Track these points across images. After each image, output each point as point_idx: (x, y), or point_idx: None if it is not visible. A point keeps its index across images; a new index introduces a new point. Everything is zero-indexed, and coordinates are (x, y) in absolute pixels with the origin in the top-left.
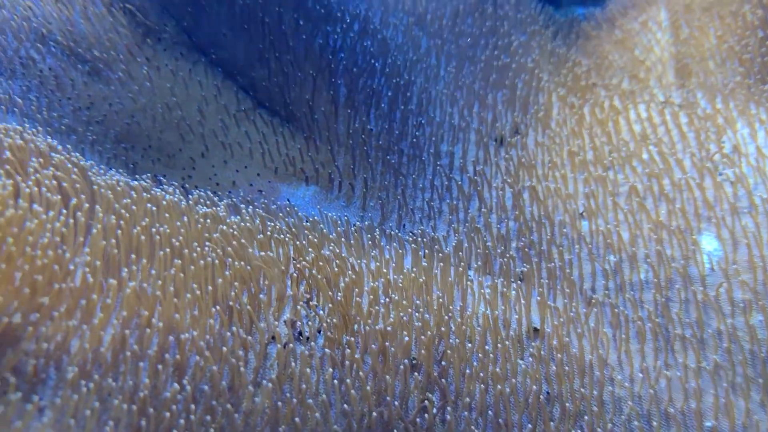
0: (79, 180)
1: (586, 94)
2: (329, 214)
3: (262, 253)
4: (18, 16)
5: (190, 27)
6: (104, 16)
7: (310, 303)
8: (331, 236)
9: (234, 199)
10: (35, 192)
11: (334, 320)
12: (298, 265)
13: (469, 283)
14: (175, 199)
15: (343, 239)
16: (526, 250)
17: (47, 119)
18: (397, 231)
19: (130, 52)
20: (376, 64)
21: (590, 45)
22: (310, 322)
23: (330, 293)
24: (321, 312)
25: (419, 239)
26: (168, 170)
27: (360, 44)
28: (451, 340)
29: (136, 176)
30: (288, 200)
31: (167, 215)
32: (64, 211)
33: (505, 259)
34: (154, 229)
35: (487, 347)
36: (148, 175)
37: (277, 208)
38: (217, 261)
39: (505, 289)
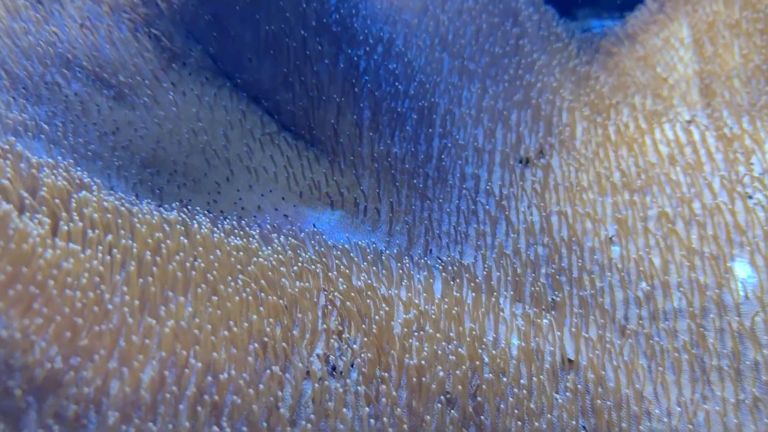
0: (112, 214)
1: (609, 113)
2: (357, 241)
3: (295, 286)
4: (44, 41)
5: (215, 52)
6: (129, 41)
7: (342, 336)
8: (361, 266)
9: (260, 223)
10: (72, 228)
11: (369, 355)
12: (330, 297)
13: (500, 312)
14: (206, 230)
15: (373, 268)
16: (557, 276)
17: (73, 145)
18: (424, 257)
19: (155, 77)
20: (400, 87)
21: (611, 61)
22: (343, 356)
23: (363, 326)
24: (354, 346)
25: (448, 266)
26: (194, 195)
27: (384, 67)
28: (485, 374)
29: (165, 205)
30: (314, 225)
31: (201, 249)
32: (100, 247)
33: (536, 287)
34: (188, 264)
35: (522, 381)
36: (177, 203)
37: (305, 235)
38: (251, 297)
39: (537, 319)
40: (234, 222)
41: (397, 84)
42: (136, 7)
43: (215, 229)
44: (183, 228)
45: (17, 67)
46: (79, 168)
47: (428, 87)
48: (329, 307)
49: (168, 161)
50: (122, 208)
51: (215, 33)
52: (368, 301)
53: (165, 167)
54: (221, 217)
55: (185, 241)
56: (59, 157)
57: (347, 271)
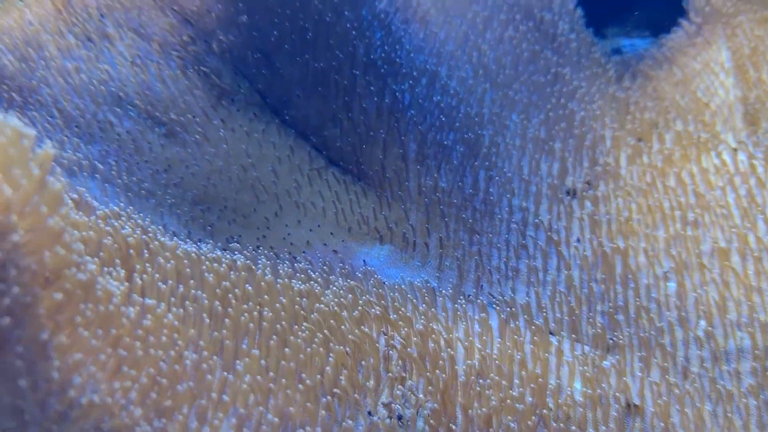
0: (180, 263)
1: (652, 140)
2: (409, 278)
3: (357, 331)
4: (96, 79)
5: (263, 88)
6: (179, 78)
7: (406, 383)
8: (420, 307)
9: (311, 259)
10: (146, 281)
11: (434, 404)
12: (391, 341)
13: (560, 354)
14: (271, 277)
15: (432, 309)
16: (614, 314)
17: (127, 183)
18: (477, 294)
19: (205, 114)
20: (444, 119)
21: (650, 86)
22: (408, 405)
23: (429, 374)
24: (419, 395)
25: (502, 304)
26: (243, 230)
27: (428, 99)
28: (553, 424)
29: (219, 242)
30: (364, 261)
31: (267, 297)
32: (173, 299)
33: (594, 326)
34: (256, 313)
35: (589, 430)
36: (238, 245)
37: (361, 276)
38: (322, 348)
39: (598, 360)
40: (296, 265)
41: (441, 117)
42: (186, 45)
43: (278, 271)
44: (247, 274)
45: (70, 106)
46: (141, 213)
47: (472, 118)
48: (390, 351)
49: (218, 197)
50: (193, 255)
51: (264, 70)
52: (431, 346)
53: (215, 203)
54: (278, 259)
55: (250, 288)
56: (122, 204)
57: (407, 313)
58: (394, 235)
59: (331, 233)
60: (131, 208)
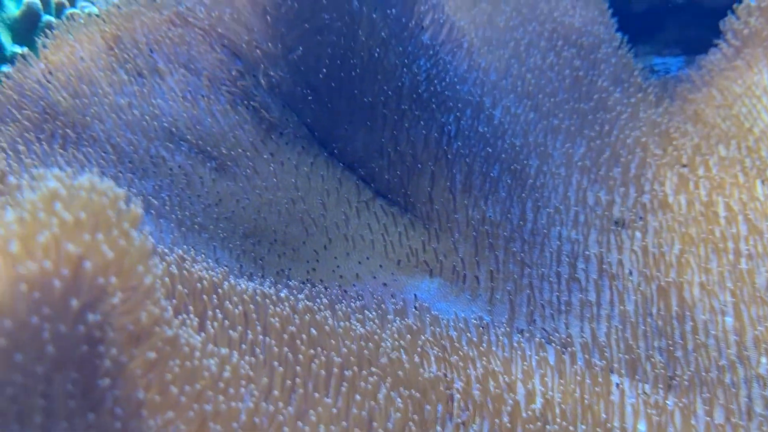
0: (247, 308)
1: (697, 167)
2: (462, 312)
3: (419, 375)
4: (148, 115)
5: (312, 122)
6: (228, 112)
7: (470, 428)
8: (482, 348)
9: (360, 292)
10: (217, 329)
11: None
12: (453, 385)
13: (622, 393)
14: (333, 321)
15: (493, 349)
16: (672, 351)
17: (180, 218)
18: (530, 329)
19: (255, 148)
20: (491, 150)
21: (690, 109)
22: None
23: (494, 419)
24: None
25: (558, 341)
26: (293, 264)
27: (474, 131)
28: None
29: (269, 277)
30: (415, 296)
31: (333, 342)
32: (244, 346)
33: (653, 364)
34: (324, 359)
35: None
36: (300, 283)
37: (417, 314)
38: (390, 394)
39: (660, 400)
40: (352, 304)
41: (487, 148)
42: (235, 79)
43: (336, 311)
44: (310, 317)
45: (123, 142)
46: (196, 247)
47: (518, 149)
48: (453, 394)
49: (268, 231)
50: (257, 298)
51: (312, 104)
52: (492, 387)
53: (265, 237)
54: (327, 292)
55: (315, 332)
56: (176, 236)
57: (464, 352)
58: (443, 268)
59: (380, 265)
60: (194, 251)
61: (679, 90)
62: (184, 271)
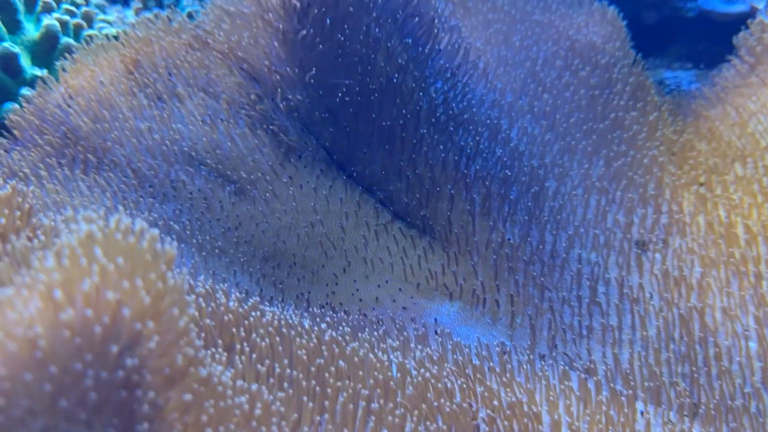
0: (273, 341)
1: (714, 186)
2: (486, 341)
3: (446, 405)
4: (168, 139)
5: (330, 145)
6: (247, 136)
7: None
8: (500, 375)
9: (380, 317)
10: (245, 363)
11: None
12: (478, 414)
13: (648, 422)
14: (362, 352)
15: (512, 375)
16: (696, 378)
17: (201, 243)
18: (552, 354)
19: (274, 172)
20: (509, 173)
21: (705, 126)
22: None
23: None
24: None
25: (581, 367)
26: (313, 287)
27: (491, 153)
28: None
29: (289, 300)
30: (435, 319)
31: (360, 373)
32: (272, 380)
33: (677, 391)
34: (351, 391)
35: None
36: (321, 310)
37: (437, 338)
38: (419, 427)
39: (685, 430)
40: (375, 333)
41: (505, 170)
42: (254, 103)
43: (359, 337)
44: (337, 349)
45: (144, 166)
46: (216, 271)
47: (535, 170)
48: (479, 425)
49: (288, 254)
50: (283, 330)
51: (330, 128)
52: (518, 419)
53: (285, 260)
54: (359, 324)
55: (343, 364)
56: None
57: (488, 380)
58: (463, 292)
59: (400, 289)
60: (215, 276)
61: (693, 107)
62: (212, 303)
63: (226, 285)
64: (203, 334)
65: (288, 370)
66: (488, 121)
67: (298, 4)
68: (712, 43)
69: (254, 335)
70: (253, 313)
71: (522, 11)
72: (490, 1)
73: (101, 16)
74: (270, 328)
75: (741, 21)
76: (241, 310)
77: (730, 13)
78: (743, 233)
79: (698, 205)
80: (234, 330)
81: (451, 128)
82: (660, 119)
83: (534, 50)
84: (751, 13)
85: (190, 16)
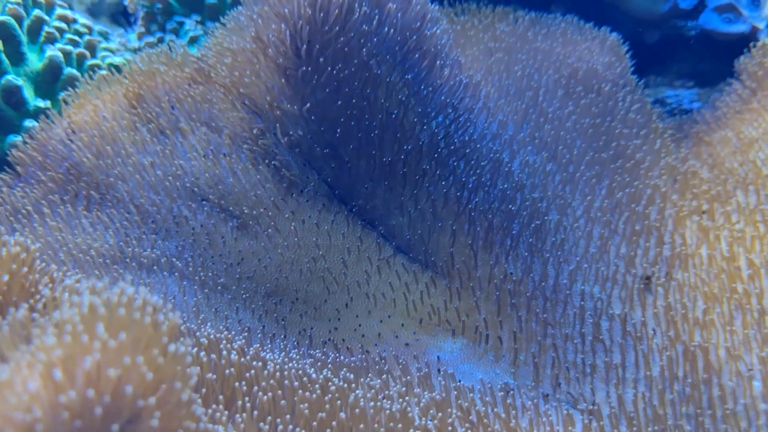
0: (275, 394)
1: (717, 216)
2: (490, 380)
3: None
4: (170, 174)
5: (332, 180)
6: (250, 171)
7: None
8: (510, 424)
9: (383, 354)
10: (247, 421)
11: None
12: None
13: None
14: (362, 401)
15: (516, 419)
16: (701, 420)
17: (203, 279)
18: (555, 394)
19: (276, 207)
20: (511, 206)
21: (706, 152)
22: None
23: None
24: None
25: (584, 408)
26: (315, 323)
27: (494, 187)
28: None
29: (290, 340)
30: (438, 357)
31: (362, 426)
32: None
33: None
34: None
35: None
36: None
37: (440, 380)
38: None
39: None
40: (377, 381)
41: (507, 204)
42: (257, 138)
43: (361, 382)
44: (340, 400)
45: (146, 202)
46: (217, 308)
47: (537, 203)
48: None
49: (290, 290)
50: (285, 382)
51: (332, 163)
52: None
53: (287, 296)
54: (363, 365)
55: (344, 416)
56: (199, 298)
57: (495, 427)
58: (465, 328)
59: (402, 324)
60: (225, 320)
61: (695, 131)
62: (214, 356)
63: (228, 322)
64: (204, 390)
65: (290, 426)
66: (490, 155)
67: (299, 41)
68: (713, 61)
69: (256, 388)
70: (255, 363)
71: (523, 39)
72: (491, 29)
73: (104, 45)
74: (272, 381)
75: (742, 40)
76: (243, 360)
77: (731, 33)
78: (746, 267)
79: (701, 236)
80: (236, 384)
81: (453, 162)
82: (663, 147)
83: (536, 78)
84: (752, 32)
85: (192, 40)
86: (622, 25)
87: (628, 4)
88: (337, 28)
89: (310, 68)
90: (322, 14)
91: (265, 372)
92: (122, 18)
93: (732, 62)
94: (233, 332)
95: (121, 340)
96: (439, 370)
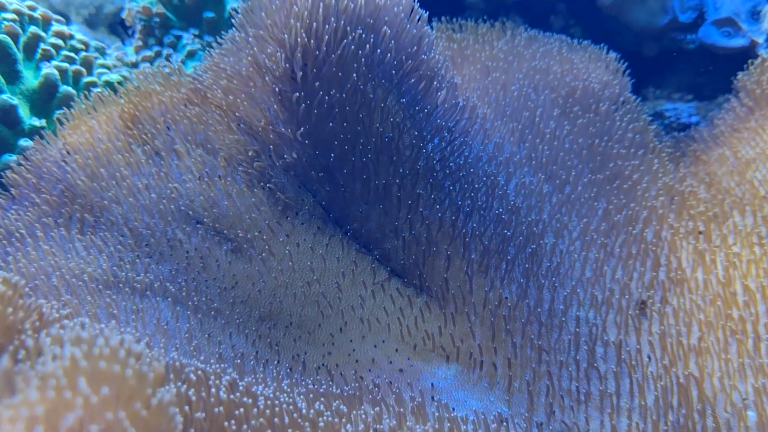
0: (265, 431)
1: (713, 237)
2: (483, 408)
3: None
4: (165, 197)
5: (327, 203)
6: (244, 194)
7: None
8: None
9: (376, 381)
10: None
11: None
12: None
13: None
14: None
15: None
16: None
17: (197, 304)
18: (550, 424)
19: (271, 230)
20: (507, 231)
21: (703, 170)
22: None
23: None
24: None
25: None
26: (309, 347)
27: (489, 210)
28: None
29: (289, 366)
30: (432, 384)
31: None
32: None
33: None
34: None
35: None
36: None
37: (434, 412)
38: None
39: None
40: (371, 413)
41: (503, 229)
42: (252, 160)
43: (353, 417)
44: None
45: (141, 225)
46: (210, 333)
47: (533, 226)
48: None
49: (284, 314)
50: (275, 420)
51: (327, 186)
52: None
53: (281, 320)
54: (357, 396)
55: None
56: (192, 324)
57: None
58: (460, 354)
59: (396, 350)
60: (218, 363)
61: (692, 149)
62: (203, 393)
63: (221, 348)
64: (192, 430)
65: None
66: (485, 178)
67: (294, 66)
68: (713, 74)
69: (245, 426)
70: (245, 400)
71: (520, 58)
72: (488, 48)
73: (100, 61)
74: (261, 419)
75: (741, 54)
76: (232, 397)
77: (730, 47)
78: (741, 292)
79: (697, 259)
80: (225, 424)
81: (449, 186)
82: (660, 166)
83: (532, 98)
84: (752, 46)
85: (190, 54)
86: (622, 37)
87: (628, 16)
88: (332, 53)
89: (304, 93)
90: (316, 40)
91: (255, 410)
92: (120, 28)
93: (731, 76)
94: (224, 364)
95: (103, 394)
96: (433, 398)
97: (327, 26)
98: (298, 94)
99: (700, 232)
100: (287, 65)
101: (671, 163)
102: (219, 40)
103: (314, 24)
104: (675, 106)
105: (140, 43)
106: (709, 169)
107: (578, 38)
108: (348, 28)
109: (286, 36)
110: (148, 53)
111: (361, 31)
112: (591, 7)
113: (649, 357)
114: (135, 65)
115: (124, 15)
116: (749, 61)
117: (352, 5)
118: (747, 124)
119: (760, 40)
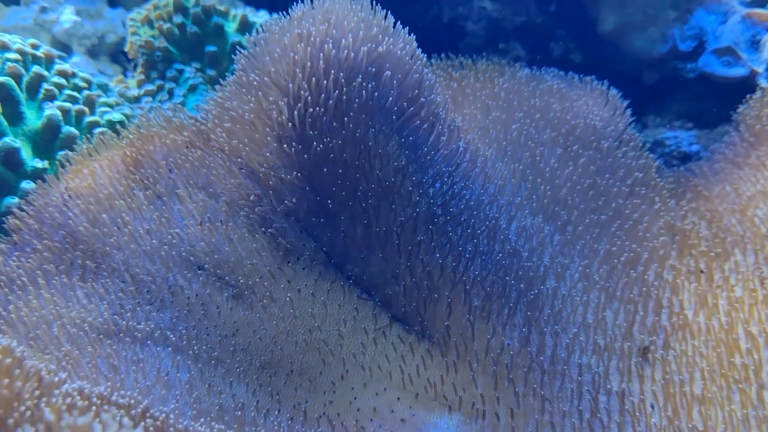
0: None
1: (715, 279)
2: None
3: None
4: (166, 243)
5: (328, 248)
6: (246, 239)
7: None
8: None
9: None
10: None
11: None
12: None
13: None
14: None
15: None
16: None
17: (197, 353)
18: None
19: (272, 276)
20: (507, 276)
21: (704, 207)
22: None
23: None
24: None
25: None
26: (310, 396)
27: (490, 255)
28: None
29: (290, 417)
30: None
31: None
32: None
33: None
34: None
35: None
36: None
37: None
38: None
39: None
40: None
41: (505, 273)
42: (254, 205)
43: None
44: None
45: (142, 272)
46: (210, 383)
47: (534, 270)
48: None
49: (285, 361)
50: None
51: (327, 231)
52: None
53: (282, 368)
54: None
55: None
56: (192, 374)
57: None
58: (462, 403)
59: (398, 398)
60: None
61: (693, 184)
62: None
63: (222, 397)
64: None
65: None
66: (487, 221)
67: (296, 113)
68: (713, 102)
69: None
70: None
71: (520, 96)
72: (488, 86)
73: (103, 99)
74: None
75: (741, 83)
76: None
77: (730, 77)
78: (744, 338)
79: (699, 302)
80: None
81: (449, 230)
82: (662, 204)
83: (533, 137)
84: (752, 76)
85: (192, 88)
86: (623, 64)
87: (628, 44)
88: (333, 101)
89: (304, 140)
90: (318, 90)
91: None
92: (122, 57)
93: (732, 104)
94: (225, 415)
95: None
96: None
97: (326, 80)
98: (299, 139)
99: (701, 272)
100: (290, 113)
101: (672, 199)
102: (222, 82)
103: (313, 78)
104: (675, 134)
105: (143, 77)
106: (710, 205)
107: (578, 63)
108: (349, 74)
109: (290, 85)
110: (151, 87)
111: (361, 79)
112: (591, 33)
113: (652, 406)
114: (137, 99)
115: (126, 48)
116: (748, 96)
117: (353, 55)
118: (748, 160)
119: (760, 69)
